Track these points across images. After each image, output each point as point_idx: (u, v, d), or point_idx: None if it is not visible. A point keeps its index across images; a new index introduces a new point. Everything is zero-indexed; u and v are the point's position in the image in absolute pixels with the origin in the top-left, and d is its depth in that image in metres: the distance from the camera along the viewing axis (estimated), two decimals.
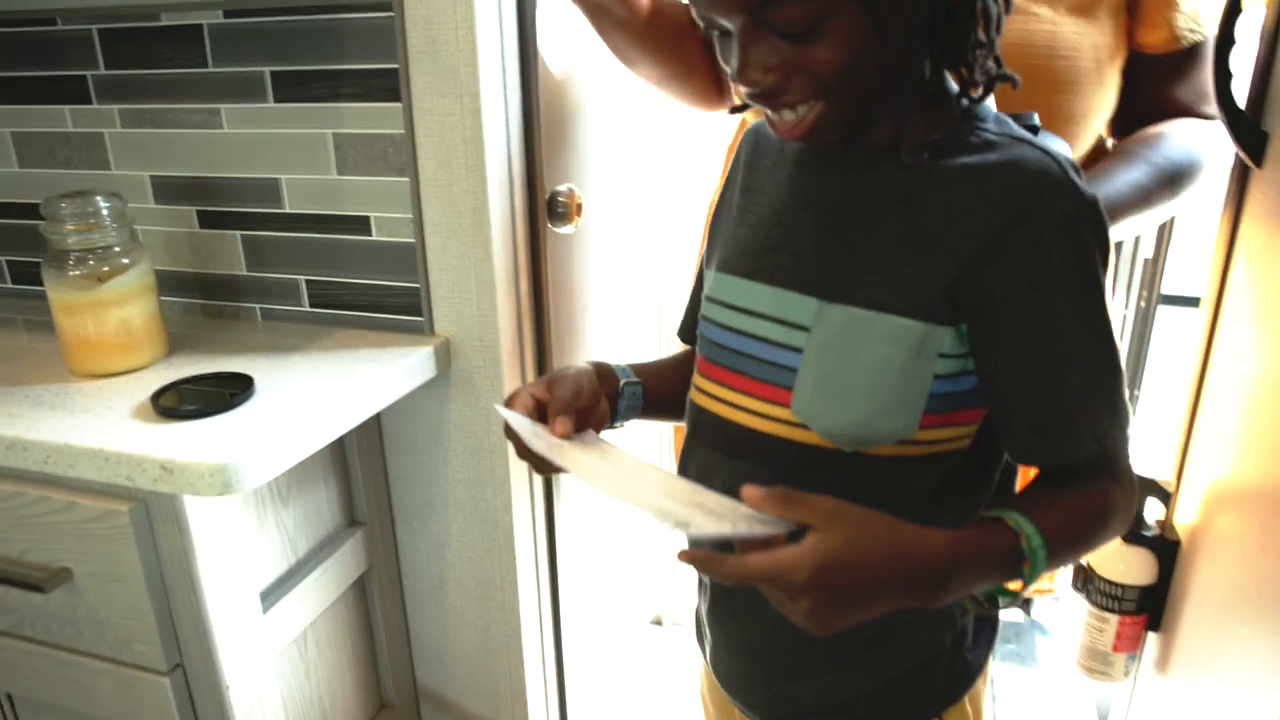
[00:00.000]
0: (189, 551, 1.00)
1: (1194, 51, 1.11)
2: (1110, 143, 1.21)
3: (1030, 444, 0.72)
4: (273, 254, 1.30)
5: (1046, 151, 0.69)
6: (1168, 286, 2.06)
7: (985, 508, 0.78)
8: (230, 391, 1.06)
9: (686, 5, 1.26)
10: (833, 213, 0.74)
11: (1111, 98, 1.13)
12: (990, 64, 0.70)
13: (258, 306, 1.35)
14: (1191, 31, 1.09)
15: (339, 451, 1.30)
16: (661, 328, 1.91)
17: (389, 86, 1.15)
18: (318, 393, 1.08)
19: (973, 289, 0.68)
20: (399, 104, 1.16)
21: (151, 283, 1.18)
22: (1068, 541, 0.70)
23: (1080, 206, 0.67)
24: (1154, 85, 1.13)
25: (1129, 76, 1.13)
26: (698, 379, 0.84)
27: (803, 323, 0.73)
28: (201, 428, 1.00)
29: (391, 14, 1.12)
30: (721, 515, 0.64)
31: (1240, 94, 1.06)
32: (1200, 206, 1.21)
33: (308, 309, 1.32)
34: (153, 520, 1.00)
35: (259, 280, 1.33)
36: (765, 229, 0.78)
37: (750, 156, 0.84)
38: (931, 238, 0.69)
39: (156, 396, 1.06)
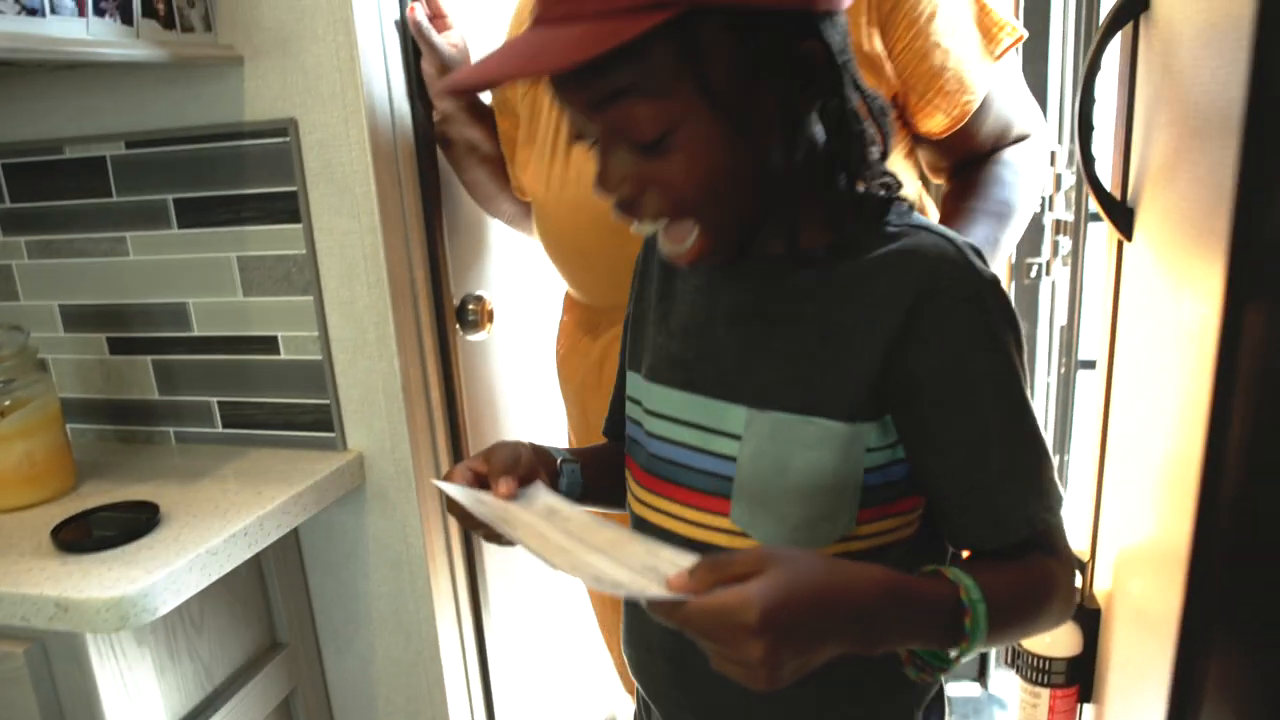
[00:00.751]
0: (91, 691, 0.98)
1: (981, 104, 1.12)
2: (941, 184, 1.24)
3: (962, 526, 0.72)
4: (184, 377, 1.30)
5: (944, 236, 0.70)
6: (1085, 351, 2.12)
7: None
8: (134, 521, 1.05)
9: None
10: (751, 319, 0.75)
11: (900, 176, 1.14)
12: (876, 176, 0.72)
13: (171, 430, 1.34)
14: (968, 101, 1.10)
15: (256, 572, 1.28)
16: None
17: (289, 209, 1.17)
18: (225, 516, 1.07)
19: (890, 379, 0.69)
20: (299, 225, 1.18)
21: (56, 413, 1.18)
22: (1009, 607, 0.68)
23: (980, 287, 0.68)
24: (956, 144, 1.15)
25: (929, 145, 1.16)
26: (636, 488, 0.83)
27: (734, 431, 0.74)
28: (102, 561, 0.98)
29: (288, 139, 1.15)
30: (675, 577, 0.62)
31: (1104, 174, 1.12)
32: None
33: (221, 430, 1.31)
34: (51, 660, 0.98)
35: (171, 404, 1.32)
36: (688, 338, 0.79)
37: (664, 260, 0.84)
38: (847, 336, 0.70)
39: (57, 531, 1.04)
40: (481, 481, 0.78)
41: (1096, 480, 1.24)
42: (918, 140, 1.17)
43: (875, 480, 0.72)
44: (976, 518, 0.71)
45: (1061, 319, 2.11)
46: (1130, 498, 1.09)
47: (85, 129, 1.23)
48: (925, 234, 0.71)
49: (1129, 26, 1.09)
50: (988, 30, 1.12)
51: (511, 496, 0.76)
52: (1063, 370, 2.13)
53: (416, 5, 1.15)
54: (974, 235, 1.11)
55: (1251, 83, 0.69)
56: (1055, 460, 2.11)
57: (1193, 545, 0.83)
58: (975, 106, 1.11)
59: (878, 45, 1.04)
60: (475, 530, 0.80)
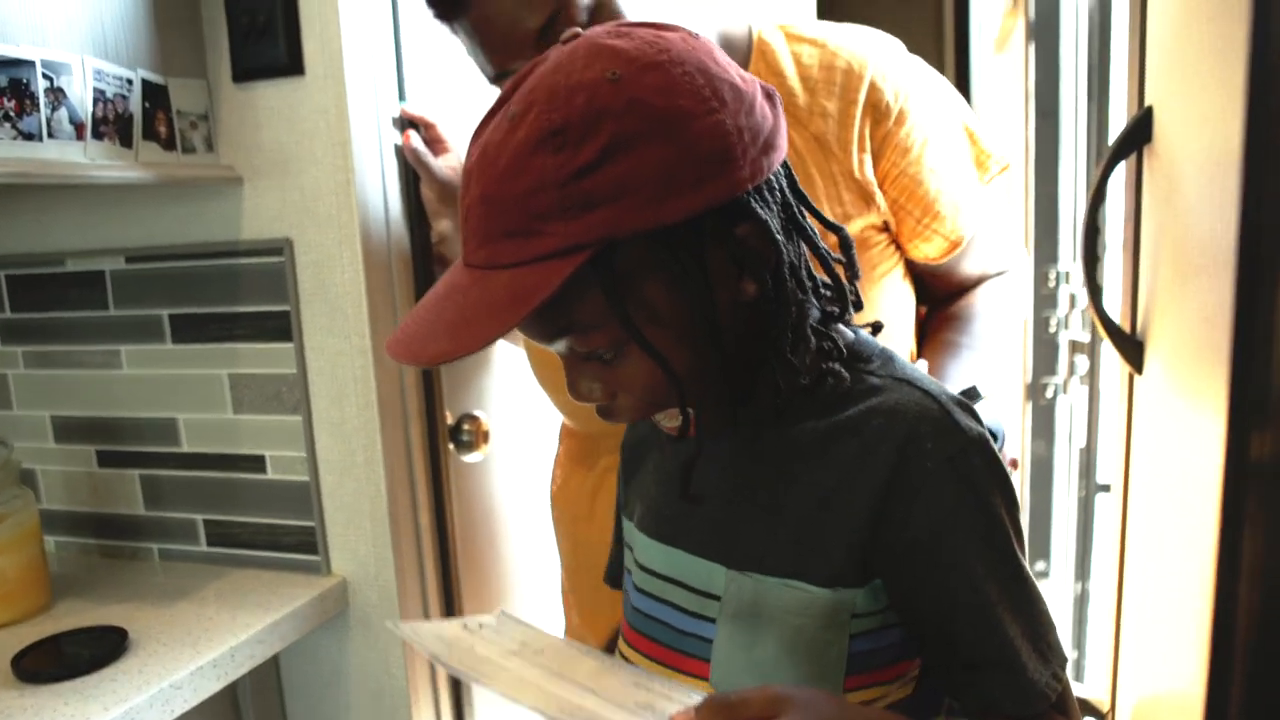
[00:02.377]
0: None
1: (969, 239, 1.11)
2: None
3: (970, 695, 0.68)
4: (171, 493, 1.28)
5: (927, 392, 0.67)
6: (1103, 474, 2.06)
7: None
8: (100, 649, 1.01)
9: None
10: (734, 477, 0.72)
11: (901, 304, 1.12)
12: (827, 344, 0.69)
13: (155, 546, 1.31)
14: (961, 230, 1.08)
15: (230, 699, 1.23)
16: None
17: (281, 327, 1.16)
18: (196, 645, 1.03)
19: (876, 545, 0.66)
20: (291, 344, 1.16)
21: (34, 530, 1.15)
22: None
23: (965, 445, 0.65)
24: (945, 276, 1.14)
25: (920, 275, 1.14)
26: (622, 641, 0.80)
27: (714, 591, 0.70)
28: (59, 694, 0.94)
29: (283, 258, 1.14)
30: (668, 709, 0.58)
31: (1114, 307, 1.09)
32: None
33: (205, 549, 1.28)
34: None
35: (156, 520, 1.29)
36: (674, 491, 0.75)
37: None
38: (828, 497, 0.67)
39: (18, 658, 1.00)
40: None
41: (1115, 623, 1.18)
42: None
43: (865, 646, 0.68)
44: (988, 685, 0.67)
45: (1079, 440, 2.06)
46: (1147, 640, 1.03)
47: (87, 243, 1.24)
48: (907, 388, 0.68)
49: (1133, 156, 1.08)
50: (978, 159, 1.12)
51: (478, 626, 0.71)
52: (1082, 494, 2.07)
53: (412, 132, 1.16)
54: (957, 371, 1.09)
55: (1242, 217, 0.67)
56: (1076, 587, 2.02)
57: (1207, 697, 0.78)
58: (969, 235, 1.09)
59: (869, 173, 1.03)
60: None
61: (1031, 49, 1.94)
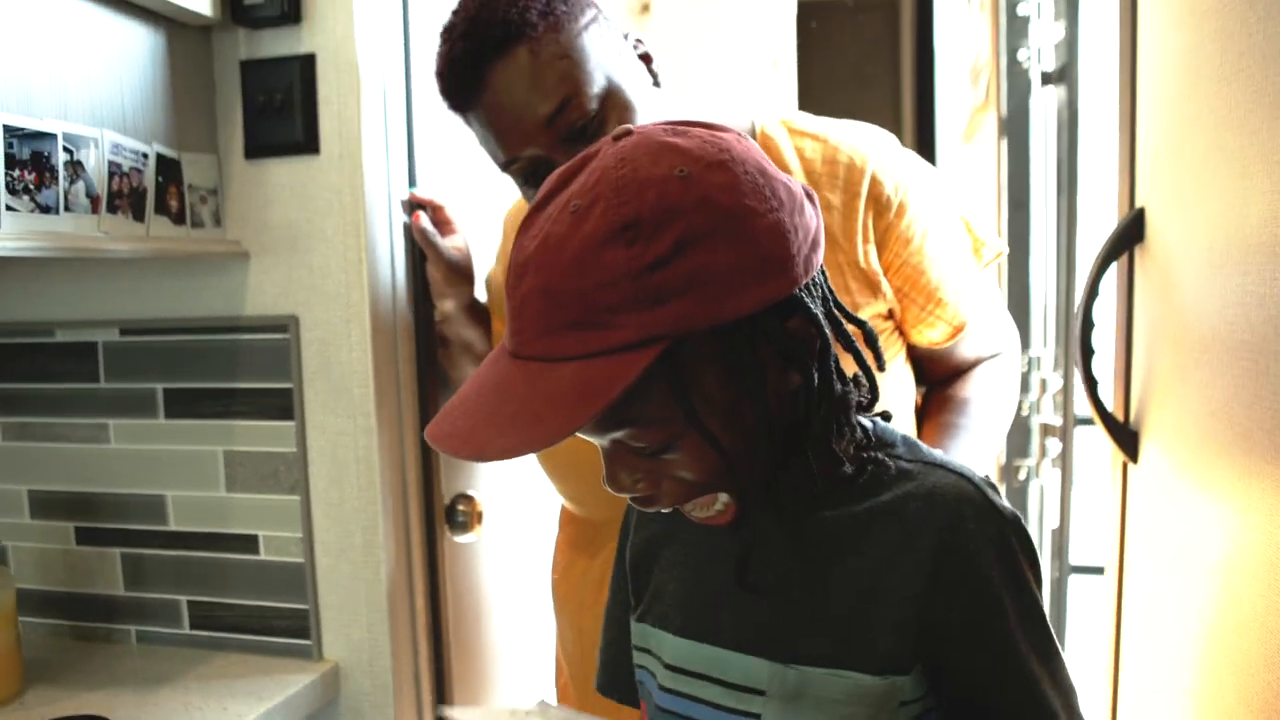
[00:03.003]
0: None
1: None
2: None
3: None
4: (153, 573, 1.23)
5: (961, 474, 0.69)
6: (1075, 557, 2.09)
7: None
8: None
9: None
10: (769, 568, 0.71)
11: (902, 390, 1.15)
12: (849, 446, 0.70)
13: (133, 629, 1.26)
14: (964, 316, 1.12)
15: None
16: None
17: (282, 405, 1.14)
18: None
19: (922, 628, 0.66)
20: (292, 422, 1.14)
21: (8, 615, 1.10)
22: None
23: (1003, 527, 0.67)
24: (944, 359, 1.17)
25: (920, 358, 1.17)
26: None
27: (757, 686, 0.69)
28: None
29: (288, 335, 1.13)
30: None
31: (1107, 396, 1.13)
32: None
33: (188, 631, 1.23)
34: None
35: (136, 601, 1.25)
36: (700, 585, 0.75)
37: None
38: (872, 584, 0.67)
39: None
40: None
41: (1111, 697, 1.19)
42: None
43: None
44: None
45: (1052, 522, 2.09)
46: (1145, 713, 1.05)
47: (79, 313, 1.22)
48: (941, 472, 0.69)
49: (1124, 255, 1.12)
50: (974, 246, 1.17)
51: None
52: (1055, 575, 2.09)
53: (421, 213, 1.16)
54: (957, 452, 1.10)
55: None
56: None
57: None
58: (971, 320, 1.12)
59: (874, 262, 1.06)
60: None
61: (1004, 143, 2.02)
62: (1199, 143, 0.89)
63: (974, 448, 1.13)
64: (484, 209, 1.39)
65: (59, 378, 1.23)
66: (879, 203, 1.05)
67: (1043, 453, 2.07)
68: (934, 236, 1.09)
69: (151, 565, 1.23)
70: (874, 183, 1.04)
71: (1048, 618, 0.69)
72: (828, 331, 0.66)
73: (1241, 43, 0.77)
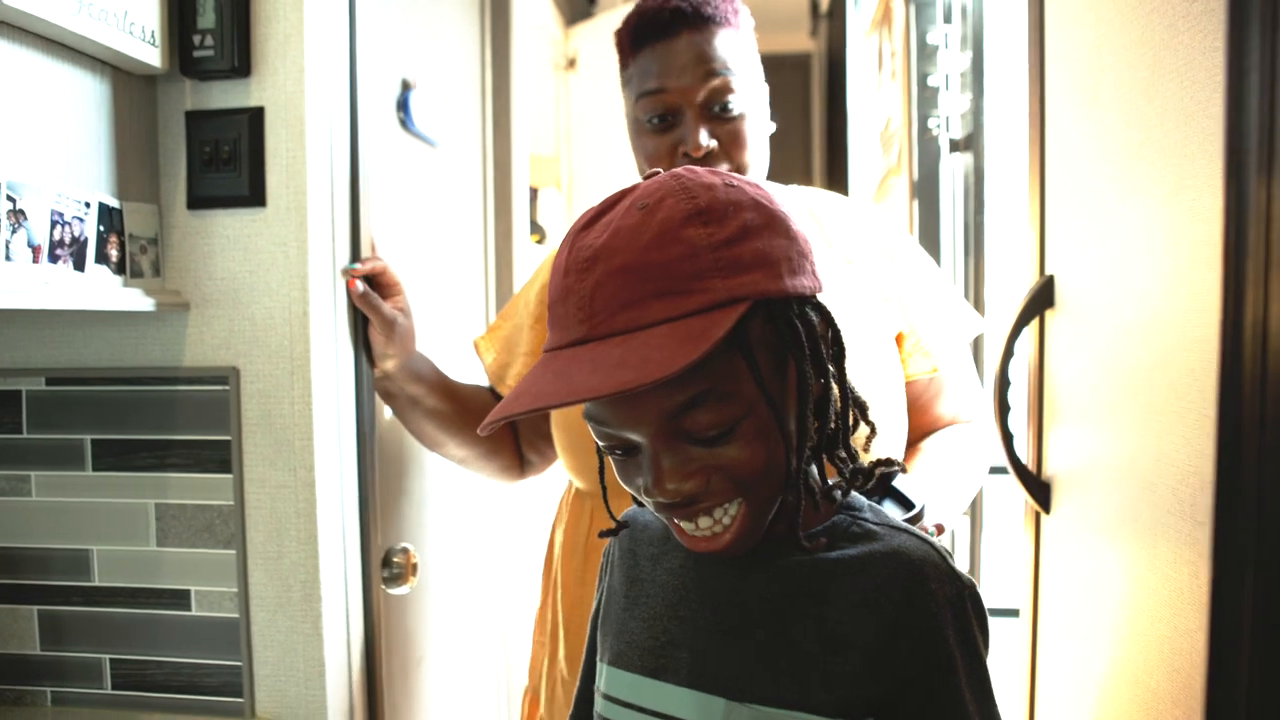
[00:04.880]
0: None
1: (946, 375, 1.26)
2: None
3: None
4: (73, 631, 1.19)
5: (926, 541, 0.73)
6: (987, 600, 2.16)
7: None
8: None
9: (486, 388, 1.34)
10: (733, 607, 0.73)
11: (903, 419, 1.23)
12: (847, 458, 0.76)
13: (49, 690, 1.21)
14: (944, 357, 1.23)
15: None
16: (509, 675, 1.82)
17: (219, 458, 1.13)
18: None
19: (878, 679, 0.69)
20: (229, 475, 1.13)
21: None
22: None
23: (961, 591, 0.71)
24: (923, 409, 1.26)
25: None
26: None
27: None
28: None
29: (227, 388, 1.12)
30: None
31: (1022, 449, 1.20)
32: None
33: (110, 691, 1.19)
34: None
35: (53, 661, 1.20)
36: (661, 622, 0.76)
37: (628, 543, 0.83)
38: (834, 631, 0.70)
39: None
40: None
41: None
42: None
43: None
44: None
45: (964, 565, 2.17)
46: None
47: (2, 361, 1.18)
48: (906, 537, 0.73)
49: (1036, 320, 1.20)
50: (957, 308, 1.28)
51: None
52: None
53: (357, 280, 1.17)
54: (917, 472, 1.17)
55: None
56: None
57: None
58: (946, 371, 1.23)
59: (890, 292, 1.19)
60: None
61: (915, 205, 2.13)
62: (1104, 216, 0.97)
63: (932, 472, 1.19)
64: (430, 262, 1.40)
65: None
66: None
67: None
68: (919, 283, 1.21)
69: (72, 622, 1.19)
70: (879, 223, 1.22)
71: (991, 681, 0.73)
72: (841, 335, 0.73)
73: (1140, 133, 0.85)
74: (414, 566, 1.31)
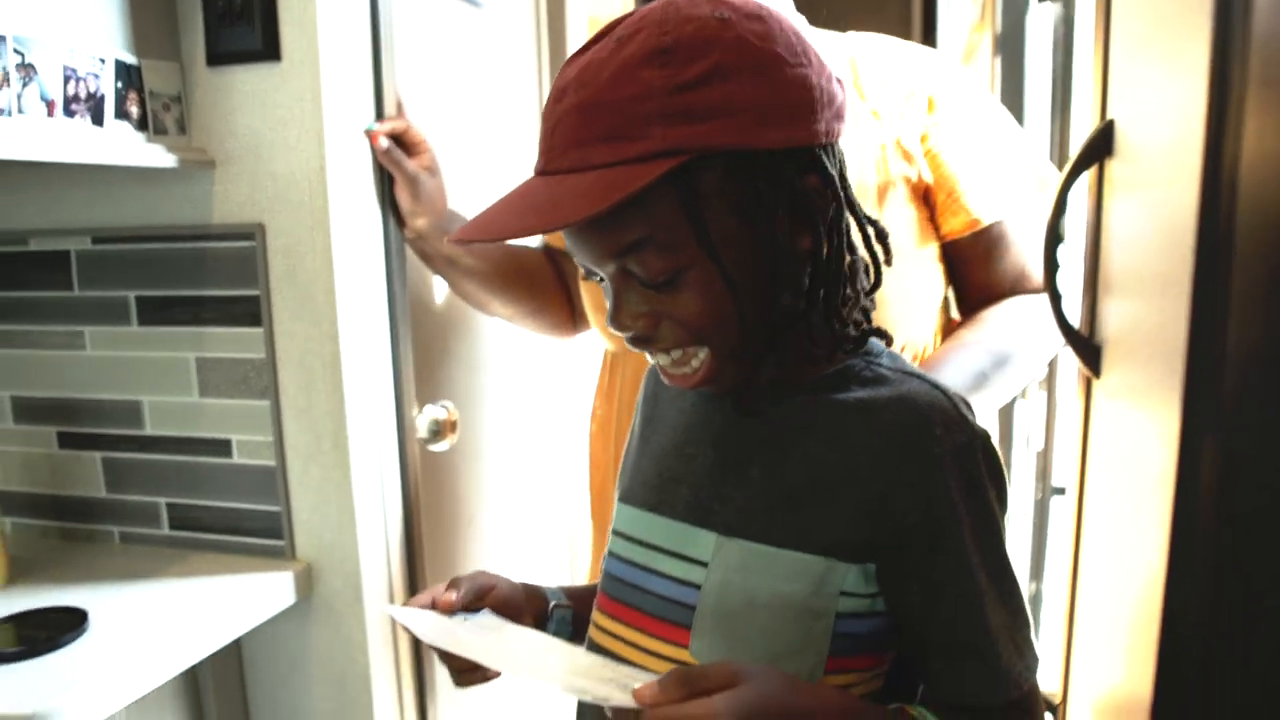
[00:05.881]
0: None
1: (998, 232, 1.15)
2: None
3: (946, 679, 0.71)
4: (132, 476, 1.27)
5: (937, 386, 0.70)
6: (1059, 477, 2.10)
7: None
8: (58, 629, 1.00)
9: (539, 246, 1.32)
10: (733, 445, 0.74)
11: (929, 282, 1.15)
12: (858, 315, 0.73)
13: (116, 530, 1.30)
14: (987, 211, 1.13)
15: (192, 683, 1.22)
16: (572, 538, 1.86)
17: (251, 312, 1.16)
18: (161, 625, 1.03)
19: (876, 524, 0.68)
20: (260, 329, 1.16)
21: None
22: None
23: (971, 440, 0.68)
24: (974, 270, 1.17)
25: (951, 264, 1.17)
26: (596, 615, 0.80)
27: (700, 557, 0.72)
28: (16, 672, 0.93)
29: (254, 243, 1.14)
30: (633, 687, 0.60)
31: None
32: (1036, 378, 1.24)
33: (168, 532, 1.27)
34: None
35: (117, 503, 1.28)
36: (666, 460, 0.77)
37: (654, 386, 0.84)
38: (831, 473, 0.69)
39: None
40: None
41: (1068, 618, 1.21)
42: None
43: (850, 629, 0.70)
44: (963, 673, 0.70)
45: (1037, 444, 2.10)
46: (1099, 639, 1.06)
47: (52, 222, 1.23)
48: (917, 382, 0.71)
49: (1095, 168, 1.11)
50: (1030, 163, 1.17)
51: (451, 610, 0.74)
52: (1038, 496, 2.11)
53: (381, 137, 1.15)
54: (964, 366, 1.11)
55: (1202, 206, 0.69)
56: (1031, 587, 2.06)
57: (1155, 697, 0.81)
58: (996, 218, 1.13)
59: (916, 144, 1.10)
60: (447, 664, 0.77)
61: (998, 62, 1.98)
62: (1162, 51, 0.87)
63: (982, 365, 1.12)
64: (458, 120, 1.38)
65: (34, 285, 1.25)
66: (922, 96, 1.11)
67: None
68: (963, 132, 1.12)
69: (130, 468, 1.27)
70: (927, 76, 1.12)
71: (1005, 540, 0.71)
72: (842, 196, 0.69)
73: None
74: (453, 424, 1.34)
